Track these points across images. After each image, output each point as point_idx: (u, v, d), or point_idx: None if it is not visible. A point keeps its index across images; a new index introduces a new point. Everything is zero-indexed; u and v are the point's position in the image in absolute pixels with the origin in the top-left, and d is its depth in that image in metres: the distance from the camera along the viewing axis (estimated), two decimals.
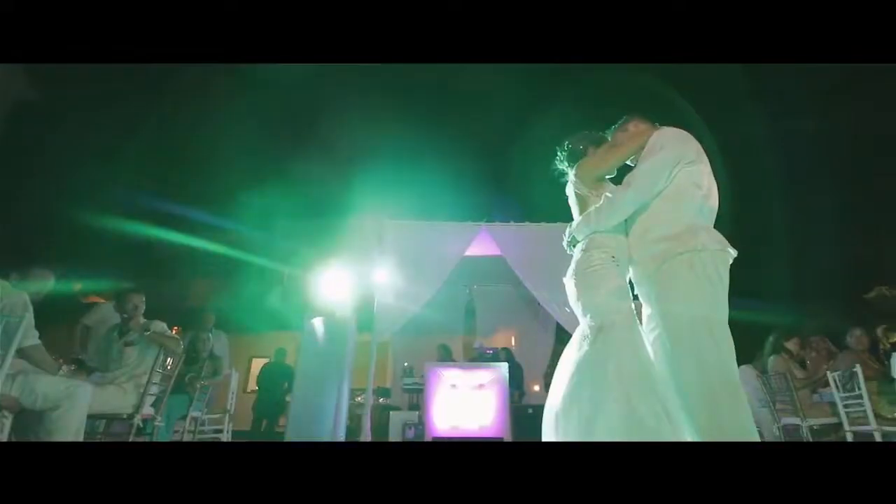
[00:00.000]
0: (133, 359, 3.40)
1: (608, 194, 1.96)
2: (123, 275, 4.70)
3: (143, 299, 3.63)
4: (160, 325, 3.59)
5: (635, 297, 2.02)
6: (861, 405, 3.46)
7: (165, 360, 3.47)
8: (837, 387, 3.64)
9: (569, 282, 2.09)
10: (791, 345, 4.27)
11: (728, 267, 1.86)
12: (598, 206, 1.98)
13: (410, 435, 5.89)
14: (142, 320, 3.57)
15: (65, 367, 3.43)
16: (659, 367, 1.83)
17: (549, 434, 1.90)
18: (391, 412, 6.39)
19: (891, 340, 5.21)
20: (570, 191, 2.25)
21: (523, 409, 6.28)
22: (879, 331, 4.45)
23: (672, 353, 1.79)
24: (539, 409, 6.39)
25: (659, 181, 1.90)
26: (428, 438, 5.88)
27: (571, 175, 2.21)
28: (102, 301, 6.61)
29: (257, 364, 10.54)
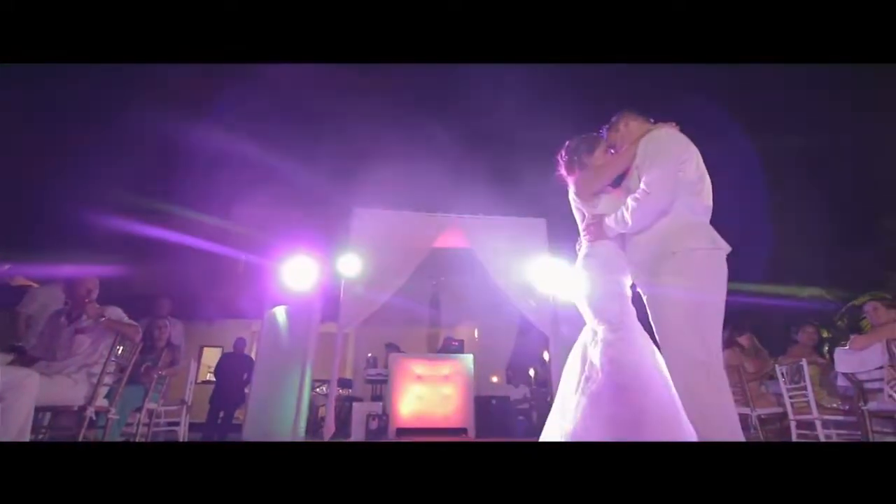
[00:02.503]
0: (85, 347, 3.15)
1: (631, 200, 1.95)
2: (66, 257, 4.34)
3: (97, 283, 3.37)
4: (116, 311, 3.34)
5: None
6: (805, 396, 3.74)
7: (121, 349, 3.24)
8: (784, 379, 3.92)
9: (574, 284, 2.18)
10: (743, 340, 4.56)
11: (723, 264, 1.87)
12: (624, 210, 1.98)
13: (374, 426, 5.84)
14: (95, 306, 3.32)
15: (1, 356, 3.13)
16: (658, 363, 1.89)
17: (551, 427, 1.94)
18: (354, 403, 6.29)
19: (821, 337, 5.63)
20: (571, 199, 2.30)
21: (487, 400, 6.36)
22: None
23: (664, 351, 1.84)
24: (501, 401, 6.51)
25: (673, 186, 1.90)
26: (392, 429, 5.85)
27: (571, 192, 2.28)
28: (35, 285, 6.08)
29: (208, 353, 10.10)
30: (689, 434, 1.73)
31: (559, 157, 2.35)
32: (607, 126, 2.28)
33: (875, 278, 7.57)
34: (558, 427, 1.90)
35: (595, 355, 1.92)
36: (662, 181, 1.89)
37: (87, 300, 3.26)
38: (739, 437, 1.71)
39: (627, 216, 1.95)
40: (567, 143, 2.34)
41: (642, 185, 1.93)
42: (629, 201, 1.97)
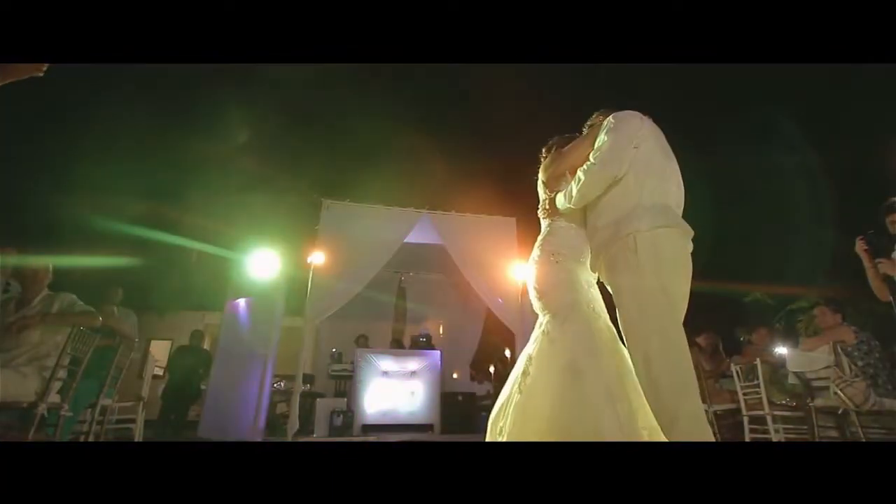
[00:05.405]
0: (35, 338, 2.88)
1: (580, 173, 1.88)
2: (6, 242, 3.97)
3: (49, 270, 3.10)
4: (69, 298, 3.08)
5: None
6: (757, 393, 3.99)
7: (76, 340, 2.99)
8: (739, 377, 4.18)
9: (527, 270, 2.11)
10: (701, 339, 4.82)
11: (679, 244, 1.78)
12: (573, 183, 1.92)
13: (339, 423, 5.72)
14: (46, 292, 3.05)
15: None
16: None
17: (491, 423, 1.85)
18: (317, 399, 6.13)
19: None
20: (539, 186, 2.27)
21: (453, 397, 6.38)
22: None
23: (627, 342, 1.74)
24: (468, 397, 6.53)
25: (623, 156, 1.82)
26: (357, 426, 5.76)
27: (539, 177, 2.23)
28: None
29: (157, 346, 9.56)
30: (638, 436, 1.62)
31: (541, 157, 2.33)
32: (588, 124, 2.25)
33: (809, 284, 8.22)
34: (495, 424, 1.80)
35: (534, 348, 1.82)
36: (610, 150, 1.82)
37: (38, 287, 3.00)
38: (705, 433, 1.57)
39: (574, 187, 1.90)
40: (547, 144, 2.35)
41: (591, 157, 1.88)
42: (578, 173, 1.91)
